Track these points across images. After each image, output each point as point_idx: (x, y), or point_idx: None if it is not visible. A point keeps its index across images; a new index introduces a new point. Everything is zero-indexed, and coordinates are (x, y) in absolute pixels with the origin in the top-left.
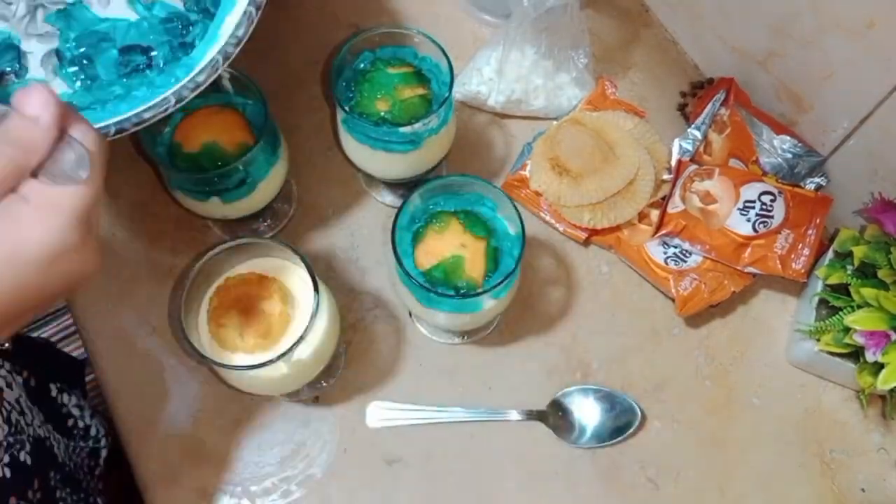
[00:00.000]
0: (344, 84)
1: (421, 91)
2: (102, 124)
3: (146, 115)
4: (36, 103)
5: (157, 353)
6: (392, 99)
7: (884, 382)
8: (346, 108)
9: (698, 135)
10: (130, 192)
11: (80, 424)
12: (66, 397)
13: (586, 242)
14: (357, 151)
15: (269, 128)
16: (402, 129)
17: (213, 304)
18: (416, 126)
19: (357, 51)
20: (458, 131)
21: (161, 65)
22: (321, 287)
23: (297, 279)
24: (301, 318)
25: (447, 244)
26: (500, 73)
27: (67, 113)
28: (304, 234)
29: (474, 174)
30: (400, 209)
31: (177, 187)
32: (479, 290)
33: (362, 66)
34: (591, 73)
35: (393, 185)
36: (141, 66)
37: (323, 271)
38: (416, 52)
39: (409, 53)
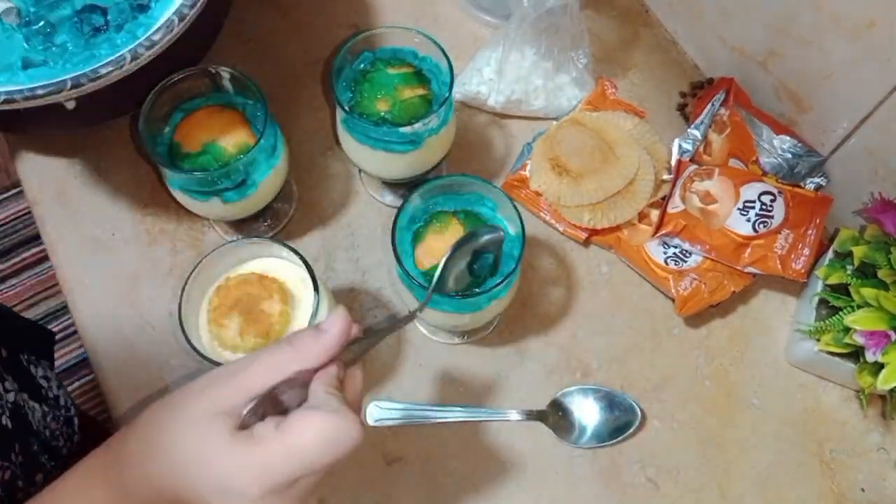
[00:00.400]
0: (344, 84)
1: (421, 91)
2: (58, 80)
3: (102, 71)
4: (330, 322)
5: (157, 353)
6: (392, 99)
7: (884, 382)
8: (346, 108)
9: (698, 135)
10: (130, 192)
11: (50, 395)
12: (34, 369)
13: (586, 242)
14: (357, 151)
15: (269, 128)
16: (402, 129)
17: (213, 304)
18: (416, 126)
19: (357, 51)
20: (458, 131)
21: (119, 24)
22: (321, 287)
23: (297, 279)
24: (301, 318)
25: (447, 244)
26: (500, 73)
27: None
28: (304, 234)
29: (474, 174)
30: (400, 209)
31: (177, 187)
32: (479, 290)
33: (362, 66)
34: (591, 74)
35: (393, 185)
36: (100, 26)
37: (323, 271)
38: (416, 52)
39: (409, 53)
